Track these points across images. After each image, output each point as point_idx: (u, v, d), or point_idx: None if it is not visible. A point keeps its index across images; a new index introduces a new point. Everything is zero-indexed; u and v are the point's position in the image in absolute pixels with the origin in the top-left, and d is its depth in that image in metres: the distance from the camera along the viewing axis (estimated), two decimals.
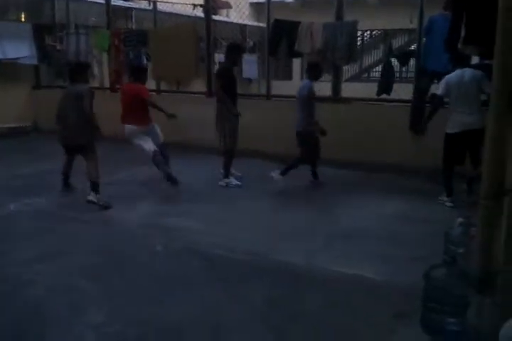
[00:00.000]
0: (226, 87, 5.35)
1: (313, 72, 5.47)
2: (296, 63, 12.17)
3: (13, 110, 8.83)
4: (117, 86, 8.41)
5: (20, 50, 8.78)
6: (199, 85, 9.36)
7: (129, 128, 5.43)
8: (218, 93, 5.41)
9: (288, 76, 12.23)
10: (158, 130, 5.64)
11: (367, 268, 3.36)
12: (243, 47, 5.98)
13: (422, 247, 3.63)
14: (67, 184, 5.22)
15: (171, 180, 5.19)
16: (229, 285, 3.15)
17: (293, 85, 8.14)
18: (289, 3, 14.19)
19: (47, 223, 4.33)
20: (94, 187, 4.71)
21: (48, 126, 8.39)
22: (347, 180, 5.85)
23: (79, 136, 4.72)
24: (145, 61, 9.92)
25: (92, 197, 4.70)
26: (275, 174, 5.44)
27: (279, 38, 6.86)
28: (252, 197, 5.13)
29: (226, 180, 5.54)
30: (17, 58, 8.68)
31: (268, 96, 6.94)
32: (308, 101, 5.35)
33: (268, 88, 6.94)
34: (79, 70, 5.04)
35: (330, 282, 3.18)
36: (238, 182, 5.56)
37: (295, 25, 6.71)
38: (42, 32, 9.58)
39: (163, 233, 4.06)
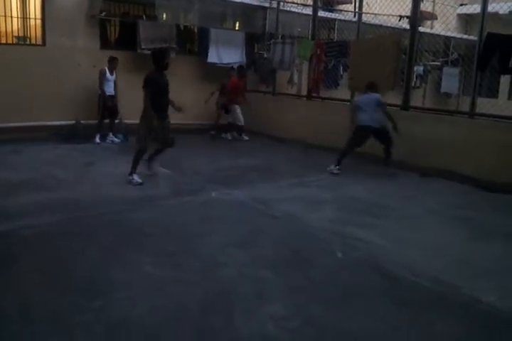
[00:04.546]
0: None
1: None
2: (503, 81, 11.10)
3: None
4: (314, 94, 8.76)
5: (233, 56, 9.77)
6: (391, 97, 9.19)
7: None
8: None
9: (493, 94, 11.19)
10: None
11: None
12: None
13: None
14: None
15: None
16: (410, 309, 3.00)
17: (496, 104, 7.49)
18: (502, 15, 13.00)
19: (240, 212, 4.77)
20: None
21: (255, 128, 9.26)
22: None
23: None
24: (341, 71, 10.17)
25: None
26: None
27: (491, 53, 6.34)
28: (442, 221, 4.80)
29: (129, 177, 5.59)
30: (229, 63, 9.68)
31: (471, 114, 6.43)
32: None
33: (472, 105, 6.42)
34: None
35: None
36: (139, 181, 5.55)
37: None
38: (252, 40, 10.51)
39: (343, 240, 4.09)
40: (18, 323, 2.64)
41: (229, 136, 9.31)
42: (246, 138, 9.17)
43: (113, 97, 8.16)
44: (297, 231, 4.32)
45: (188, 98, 9.34)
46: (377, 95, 6.56)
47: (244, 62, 9.88)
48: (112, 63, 8.05)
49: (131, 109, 8.35)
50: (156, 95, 5.38)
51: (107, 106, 8.08)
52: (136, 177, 5.56)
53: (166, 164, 6.53)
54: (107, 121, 8.27)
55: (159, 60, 5.48)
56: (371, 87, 6.68)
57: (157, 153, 5.93)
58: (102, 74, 8.01)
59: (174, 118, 8.73)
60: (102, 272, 3.30)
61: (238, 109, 9.04)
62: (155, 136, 5.55)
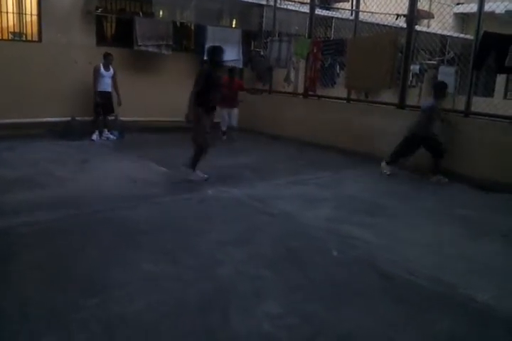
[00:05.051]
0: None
1: None
2: (499, 80, 11.15)
3: None
4: (310, 93, 8.76)
5: (230, 54, 9.70)
6: (387, 95, 9.23)
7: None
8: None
9: (489, 93, 11.24)
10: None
11: None
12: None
13: None
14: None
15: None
16: (409, 308, 3.01)
17: (491, 103, 7.52)
18: (498, 14, 13.07)
19: (237, 210, 4.78)
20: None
21: (251, 126, 9.23)
22: None
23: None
24: (338, 70, 10.17)
25: None
26: None
27: (487, 52, 6.38)
28: (439, 220, 4.81)
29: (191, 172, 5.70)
30: (226, 61, 9.64)
31: (467, 113, 6.45)
32: None
33: (468, 104, 6.44)
34: None
35: None
36: (204, 176, 5.70)
37: (508, 38, 6.16)
38: (249, 38, 10.49)
39: (341, 239, 4.10)
40: (18, 322, 2.63)
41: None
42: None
43: (107, 94, 8.14)
44: (295, 229, 4.33)
45: (185, 95, 9.34)
46: (428, 102, 6.26)
47: (241, 60, 9.86)
48: (107, 59, 8.04)
49: (128, 105, 8.37)
50: (209, 89, 5.41)
51: (100, 103, 8.06)
52: (199, 173, 5.66)
53: (163, 162, 6.52)
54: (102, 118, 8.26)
55: (214, 56, 5.51)
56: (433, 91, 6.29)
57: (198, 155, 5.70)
58: (96, 71, 8.00)
59: (170, 116, 8.77)
60: (100, 270, 3.29)
61: (224, 112, 8.56)
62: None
